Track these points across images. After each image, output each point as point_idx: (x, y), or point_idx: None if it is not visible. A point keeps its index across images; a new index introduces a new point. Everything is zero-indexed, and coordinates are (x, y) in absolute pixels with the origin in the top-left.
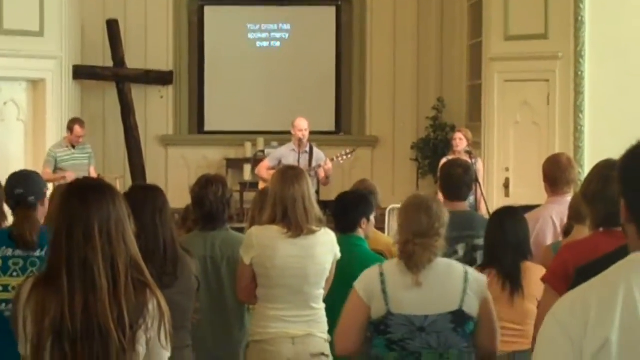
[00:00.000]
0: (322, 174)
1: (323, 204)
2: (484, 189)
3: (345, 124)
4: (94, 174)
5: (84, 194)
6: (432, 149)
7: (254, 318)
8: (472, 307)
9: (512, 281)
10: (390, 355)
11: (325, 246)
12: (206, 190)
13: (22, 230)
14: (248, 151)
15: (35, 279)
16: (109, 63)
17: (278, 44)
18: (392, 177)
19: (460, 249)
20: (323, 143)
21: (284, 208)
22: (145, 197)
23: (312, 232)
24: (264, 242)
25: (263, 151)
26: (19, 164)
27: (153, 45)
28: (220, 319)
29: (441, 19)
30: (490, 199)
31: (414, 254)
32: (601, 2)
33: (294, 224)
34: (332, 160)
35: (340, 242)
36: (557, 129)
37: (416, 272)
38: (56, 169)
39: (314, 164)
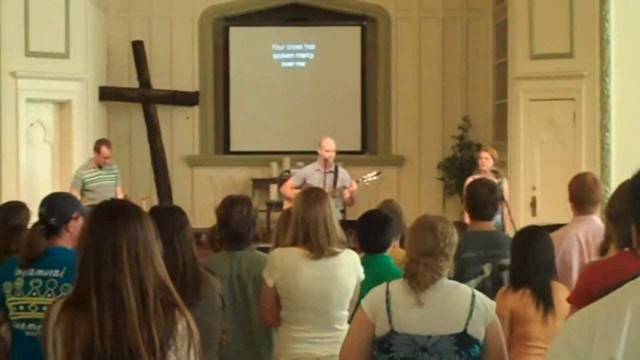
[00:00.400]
0: (347, 194)
1: (348, 224)
2: (510, 208)
3: (371, 144)
4: (120, 195)
5: (112, 216)
6: (458, 168)
7: (278, 340)
8: (477, 331)
9: (545, 300)
10: None
11: (348, 267)
12: (231, 210)
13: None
14: (274, 171)
15: (64, 300)
16: (135, 84)
17: (303, 64)
18: (419, 197)
19: (487, 269)
20: (349, 163)
21: (305, 230)
22: (165, 218)
23: (334, 253)
24: (286, 265)
25: (289, 171)
26: (45, 185)
27: (179, 66)
28: (248, 339)
29: (466, 38)
30: (517, 218)
31: (417, 273)
32: (626, 21)
33: (315, 246)
34: (357, 181)
35: (369, 262)
36: (584, 147)
37: (418, 291)
38: (83, 191)
39: (338, 184)
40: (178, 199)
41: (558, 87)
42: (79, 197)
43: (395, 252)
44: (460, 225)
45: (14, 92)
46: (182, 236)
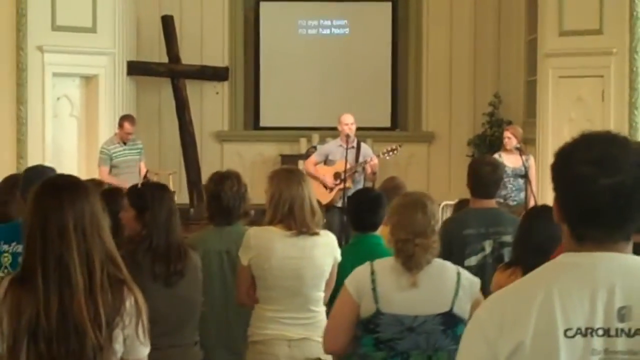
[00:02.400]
0: (369, 169)
1: None
2: (537, 185)
3: (401, 120)
4: (143, 170)
5: (57, 191)
6: (488, 145)
7: (252, 319)
8: (463, 310)
9: None
10: (378, 355)
11: (324, 248)
12: (222, 185)
13: None
14: (303, 147)
15: (11, 278)
16: (165, 59)
17: (334, 40)
18: (449, 173)
19: (488, 246)
20: (379, 139)
21: (290, 207)
22: (160, 196)
23: (315, 233)
24: (261, 243)
25: (315, 147)
26: (71, 160)
27: (208, 41)
28: (236, 313)
29: (498, 14)
30: (545, 195)
31: (414, 255)
32: None
33: (299, 222)
34: (378, 156)
35: (360, 241)
36: (612, 125)
37: (415, 273)
38: (110, 167)
39: (360, 159)
40: (206, 175)
41: (587, 64)
42: (107, 172)
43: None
44: (464, 203)
45: (41, 66)
46: (176, 217)
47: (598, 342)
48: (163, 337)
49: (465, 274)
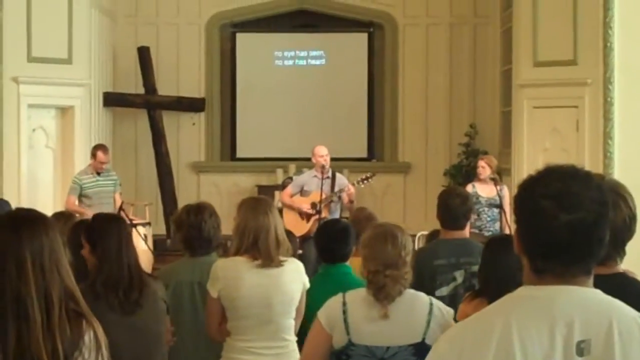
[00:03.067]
0: (346, 198)
1: None
2: (512, 216)
3: (377, 150)
4: (119, 201)
5: (15, 225)
6: (464, 175)
7: (224, 350)
8: (435, 339)
9: None
10: None
11: (292, 274)
12: (202, 215)
13: None
14: (280, 178)
15: None
16: (141, 90)
17: (310, 70)
18: (425, 204)
19: (459, 276)
20: (355, 169)
21: (254, 238)
22: (109, 227)
23: (280, 264)
24: (229, 274)
25: (292, 178)
26: (47, 191)
27: (185, 72)
28: (208, 344)
29: (474, 46)
30: None
31: (385, 286)
32: (630, 28)
33: (264, 254)
34: (353, 184)
35: (330, 272)
36: (587, 155)
37: (386, 304)
38: (81, 197)
39: (336, 189)
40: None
41: (561, 95)
42: (76, 203)
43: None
44: (435, 234)
45: (16, 97)
46: (128, 245)
47: None
48: None
49: (438, 304)
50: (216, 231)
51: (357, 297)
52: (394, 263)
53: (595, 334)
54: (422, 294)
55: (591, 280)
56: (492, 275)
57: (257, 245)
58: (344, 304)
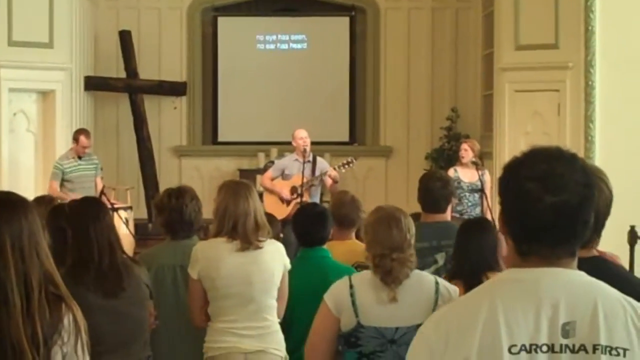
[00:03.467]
0: (329, 181)
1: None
2: (493, 200)
3: (359, 135)
4: (100, 185)
5: None
6: (446, 159)
7: (207, 333)
8: None
9: None
10: None
11: (272, 254)
12: (183, 199)
13: None
14: (261, 162)
15: None
16: (122, 74)
17: (292, 54)
18: (407, 187)
19: (440, 258)
20: (337, 153)
21: (234, 223)
22: (81, 209)
23: (259, 247)
24: (209, 255)
25: (273, 161)
26: (28, 175)
27: (166, 56)
28: (190, 328)
29: (456, 29)
30: None
31: (392, 270)
32: (611, 12)
33: (243, 238)
34: (334, 169)
35: (308, 255)
36: (568, 139)
37: (394, 287)
38: (63, 181)
39: (317, 173)
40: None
41: (543, 78)
42: (57, 187)
43: (352, 245)
44: (416, 217)
45: None
46: (99, 226)
47: (542, 359)
48: (107, 355)
49: (444, 283)
50: (197, 215)
51: (364, 280)
52: (400, 246)
53: (580, 316)
54: (427, 274)
55: (575, 262)
56: (465, 258)
57: (237, 230)
58: (351, 286)
